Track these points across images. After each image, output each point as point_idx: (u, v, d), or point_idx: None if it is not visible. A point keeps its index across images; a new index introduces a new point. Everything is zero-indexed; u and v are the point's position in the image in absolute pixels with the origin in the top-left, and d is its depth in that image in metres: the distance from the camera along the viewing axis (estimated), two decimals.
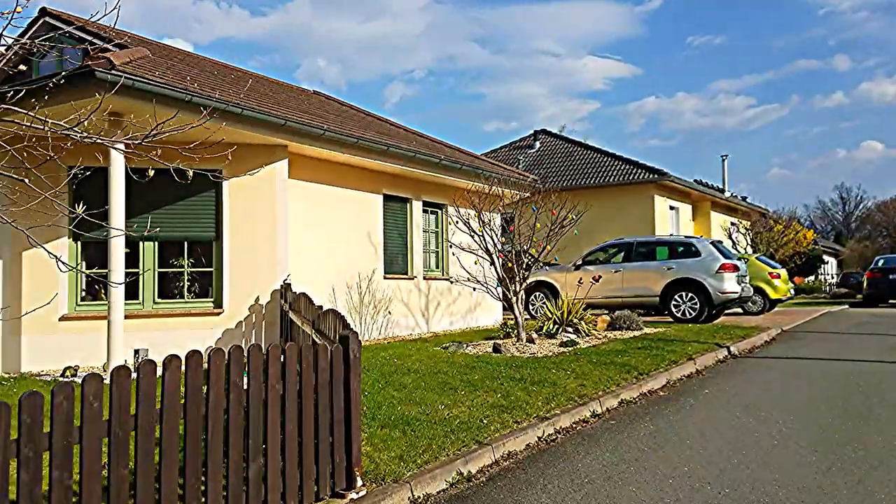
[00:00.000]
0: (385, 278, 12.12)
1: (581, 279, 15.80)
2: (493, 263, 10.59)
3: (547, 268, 17.41)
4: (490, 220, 10.70)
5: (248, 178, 9.24)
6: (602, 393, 7.24)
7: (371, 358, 8.84)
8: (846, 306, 22.34)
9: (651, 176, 23.98)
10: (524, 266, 10.81)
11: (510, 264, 10.89)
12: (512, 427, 5.79)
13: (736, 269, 14.92)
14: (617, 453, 5.39)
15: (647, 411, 6.88)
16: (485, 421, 5.84)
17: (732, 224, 28.26)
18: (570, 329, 11.97)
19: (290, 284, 9.11)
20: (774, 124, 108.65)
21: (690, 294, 14.87)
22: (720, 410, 6.81)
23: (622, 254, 16.08)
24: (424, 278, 13.24)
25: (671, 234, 17.92)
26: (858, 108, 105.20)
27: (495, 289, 10.39)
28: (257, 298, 9.45)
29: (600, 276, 15.81)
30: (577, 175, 25.75)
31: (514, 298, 10.62)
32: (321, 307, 6.23)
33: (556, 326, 12.04)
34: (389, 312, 12.20)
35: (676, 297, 15.00)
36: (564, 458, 5.29)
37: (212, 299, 9.45)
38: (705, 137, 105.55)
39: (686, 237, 15.85)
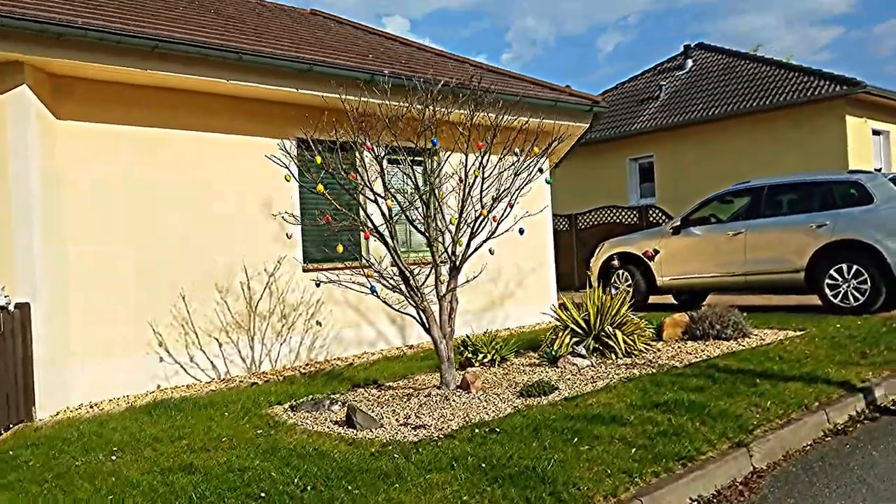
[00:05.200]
0: (307, 270, 7.98)
1: (677, 249, 10.52)
2: (384, 242, 5.89)
3: (636, 234, 12.11)
4: (374, 161, 5.98)
5: None
6: None
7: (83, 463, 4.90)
8: None
9: (838, 88, 16.97)
10: (452, 244, 5.99)
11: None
12: None
13: None
14: None
15: None
16: None
17: None
18: (590, 348, 7.03)
19: (4, 305, 5.41)
20: None
21: (855, 266, 8.94)
22: None
23: (747, 206, 10.35)
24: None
25: (837, 173, 11.42)
26: None
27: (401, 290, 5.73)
28: None
29: (711, 242, 10.41)
30: (737, 97, 19.26)
31: (431, 306, 5.91)
32: None
33: (575, 341, 7.19)
34: (318, 324, 8.05)
35: (833, 271, 9.13)
36: None
37: None
38: None
39: (850, 172, 9.74)
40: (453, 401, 5.45)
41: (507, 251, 10.12)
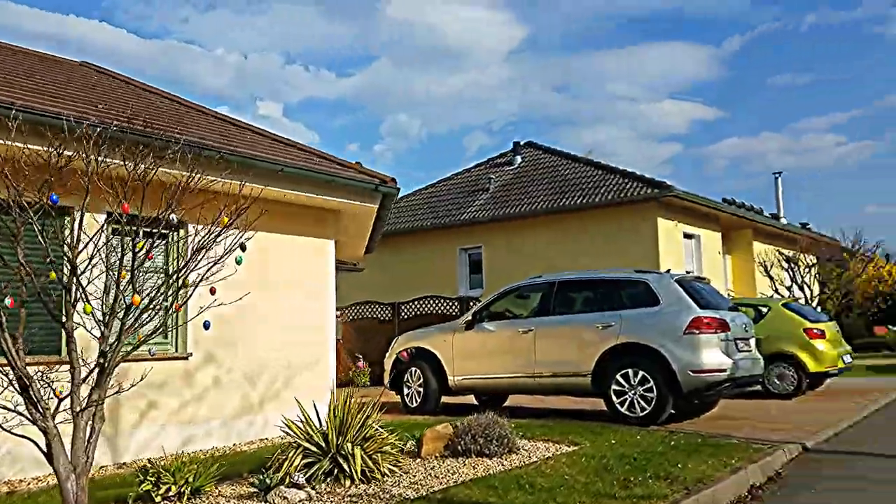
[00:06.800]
0: None
1: (468, 346, 9.61)
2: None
3: (431, 328, 11.09)
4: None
5: None
6: None
7: None
8: None
9: (650, 191, 17.40)
10: (101, 340, 4.51)
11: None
12: None
13: (722, 327, 8.30)
14: None
15: None
16: None
17: (788, 259, 20.46)
18: (321, 472, 5.70)
19: None
20: (868, 161, 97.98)
21: (641, 372, 8.30)
22: None
23: (539, 302, 9.65)
24: (102, 364, 7.11)
25: (635, 270, 10.69)
26: None
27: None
28: None
29: (502, 340, 9.58)
30: (559, 194, 19.43)
31: (57, 427, 4.35)
32: None
33: (307, 462, 5.83)
34: None
35: (619, 376, 8.45)
36: None
37: None
38: (793, 177, 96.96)
39: (638, 272, 9.30)
40: None
41: (273, 343, 8.77)
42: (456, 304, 17.24)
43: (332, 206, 9.49)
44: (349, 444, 5.92)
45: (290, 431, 6.21)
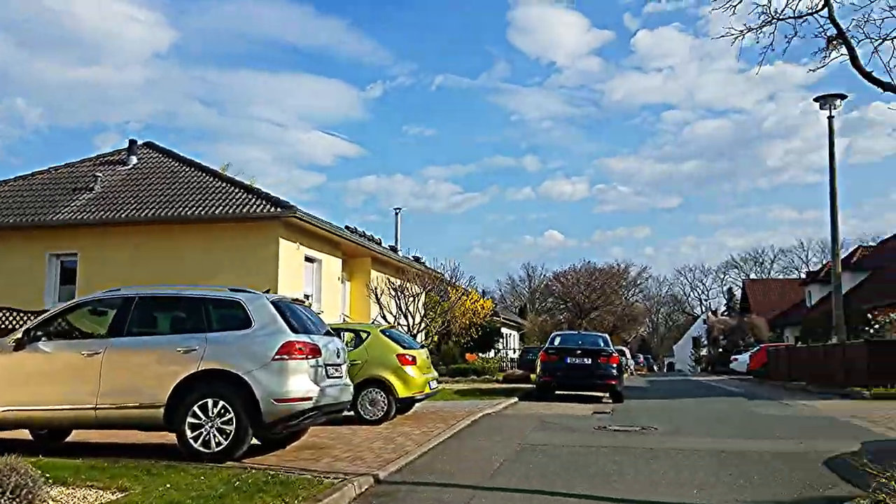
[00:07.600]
0: None
1: (18, 370, 7.74)
2: None
3: None
4: None
5: None
6: None
7: None
8: (515, 399, 16.73)
9: (273, 209, 16.85)
10: None
11: None
12: None
13: (314, 352, 7.89)
14: None
15: None
16: None
17: (395, 288, 21.71)
18: None
19: None
20: (476, 210, 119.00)
21: (222, 402, 7.44)
22: None
23: (113, 319, 8.19)
24: None
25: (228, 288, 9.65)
26: (543, 202, 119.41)
27: None
28: None
29: (63, 364, 7.92)
30: (178, 202, 17.78)
31: None
32: None
33: None
34: None
35: (197, 408, 7.45)
36: None
37: None
38: (419, 217, 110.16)
39: (233, 290, 8.49)
40: None
41: None
42: (33, 318, 14.48)
43: None
44: None
45: None
